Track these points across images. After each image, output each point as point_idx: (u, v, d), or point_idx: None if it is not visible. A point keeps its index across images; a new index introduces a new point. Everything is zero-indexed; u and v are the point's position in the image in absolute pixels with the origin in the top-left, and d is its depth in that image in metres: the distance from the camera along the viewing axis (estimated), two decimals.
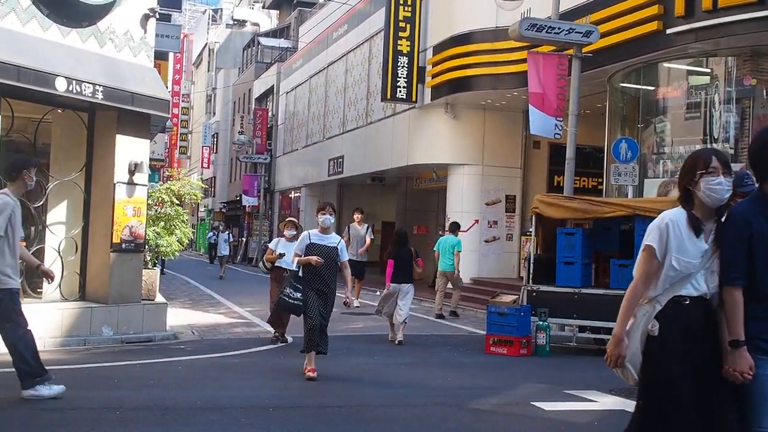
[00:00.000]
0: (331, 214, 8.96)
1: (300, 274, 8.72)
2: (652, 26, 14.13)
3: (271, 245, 12.27)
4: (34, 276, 11.98)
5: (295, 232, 11.78)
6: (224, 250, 30.52)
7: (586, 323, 11.51)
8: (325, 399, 7.67)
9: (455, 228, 16.92)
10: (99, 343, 11.09)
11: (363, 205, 21.11)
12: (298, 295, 8.57)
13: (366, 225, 18.34)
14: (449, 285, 16.55)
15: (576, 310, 11.36)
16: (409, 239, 13.32)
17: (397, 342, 12.09)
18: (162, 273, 24.10)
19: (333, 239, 8.88)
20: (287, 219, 12.65)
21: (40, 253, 11.86)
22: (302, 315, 8.72)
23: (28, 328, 7.06)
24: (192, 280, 26.04)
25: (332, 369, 9.30)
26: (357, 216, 18.24)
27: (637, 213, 11.12)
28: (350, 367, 9.94)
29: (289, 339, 11.85)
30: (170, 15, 24.72)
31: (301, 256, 8.73)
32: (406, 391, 8.29)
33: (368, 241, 18.06)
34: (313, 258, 8.59)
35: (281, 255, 11.59)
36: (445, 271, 16.26)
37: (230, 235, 32.87)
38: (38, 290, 11.90)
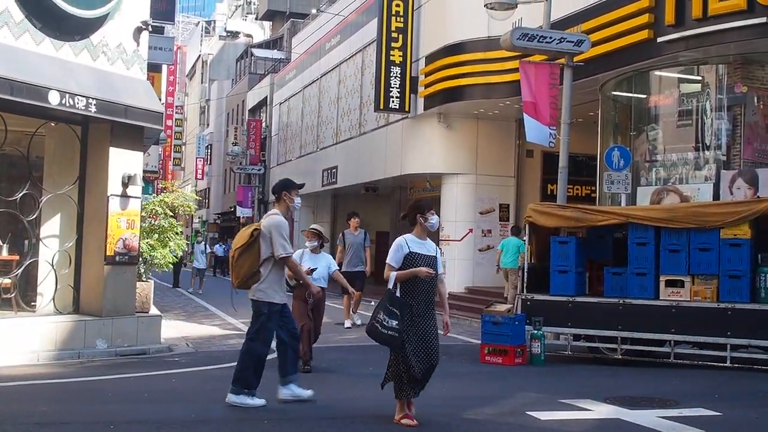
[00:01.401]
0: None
1: (397, 293, 6.74)
2: (643, 35, 14.20)
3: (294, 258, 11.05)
4: (28, 290, 11.99)
5: (317, 243, 10.56)
6: (201, 262, 26.90)
7: (581, 332, 11.52)
8: (319, 411, 7.65)
9: (517, 231, 17.98)
10: (93, 356, 11.07)
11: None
12: (394, 322, 6.62)
13: (362, 231, 16.64)
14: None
15: (570, 319, 11.37)
16: None
17: None
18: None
19: (431, 246, 7.09)
20: (310, 228, 11.13)
21: (33, 267, 11.88)
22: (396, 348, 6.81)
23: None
24: (186, 291, 26.00)
25: (326, 380, 9.28)
26: (353, 221, 16.47)
27: (630, 221, 11.15)
28: (344, 378, 9.93)
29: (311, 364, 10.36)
30: (163, 27, 24.71)
31: (396, 268, 6.82)
32: None
33: (368, 255, 16.46)
34: (423, 269, 6.76)
35: (311, 270, 9.99)
36: (506, 268, 17.53)
37: (206, 246, 29.20)
38: (32, 303, 11.89)
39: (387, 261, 6.91)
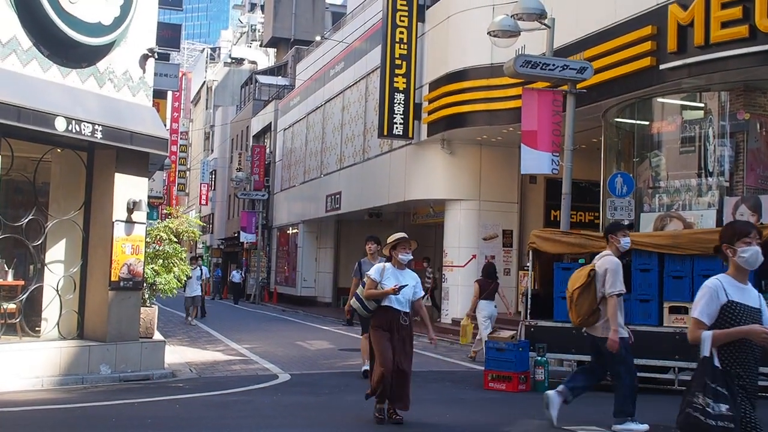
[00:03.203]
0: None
1: (716, 363, 4.48)
2: (645, 62, 14.29)
3: (372, 274, 8.30)
4: (33, 315, 12.01)
5: (411, 256, 8.36)
6: (196, 289, 23.21)
7: (585, 358, 11.47)
8: None
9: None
10: (97, 381, 11.06)
11: (361, 241, 20.76)
12: (724, 408, 4.33)
13: (382, 260, 11.67)
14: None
15: (574, 345, 11.35)
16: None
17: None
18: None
19: (753, 294, 4.80)
20: (399, 236, 8.39)
21: (38, 292, 11.90)
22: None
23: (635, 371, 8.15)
24: (190, 317, 25.94)
25: (329, 407, 9.27)
26: (370, 247, 12.40)
27: (634, 247, 11.10)
28: (348, 405, 9.90)
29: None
30: (169, 54, 24.99)
31: (707, 326, 4.58)
32: (403, 429, 8.25)
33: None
34: (757, 328, 4.47)
35: (399, 288, 8.05)
36: None
37: (202, 270, 24.92)
38: (37, 329, 11.90)
39: (693, 315, 4.68)
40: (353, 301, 8.59)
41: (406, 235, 8.41)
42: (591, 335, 8.03)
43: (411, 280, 8.26)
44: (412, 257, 8.31)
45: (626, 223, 12.99)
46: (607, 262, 7.93)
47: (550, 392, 8.12)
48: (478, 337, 15.19)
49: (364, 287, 8.37)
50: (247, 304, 37.87)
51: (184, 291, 21.74)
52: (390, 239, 8.38)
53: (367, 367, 11.77)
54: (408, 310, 8.21)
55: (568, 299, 8.08)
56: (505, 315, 17.06)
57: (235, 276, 39.64)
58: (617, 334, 7.76)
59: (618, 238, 8.13)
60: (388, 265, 8.32)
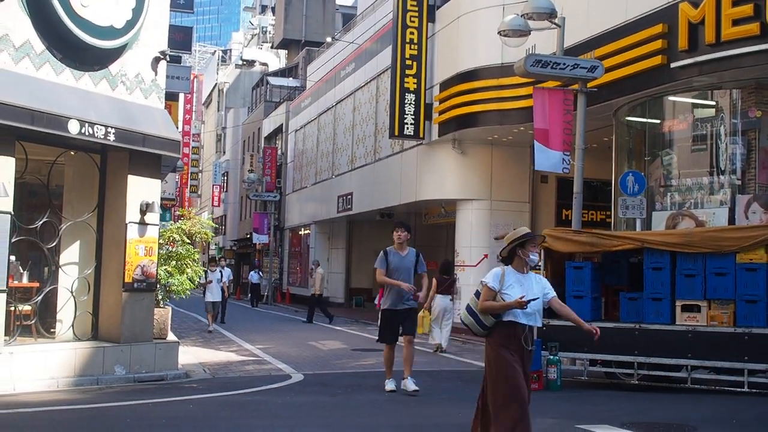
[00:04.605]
0: None
1: None
2: (656, 60, 14.26)
3: (489, 281, 6.45)
4: (47, 316, 12.10)
5: (538, 257, 6.69)
6: (217, 294, 21.55)
7: (597, 357, 11.49)
8: None
9: None
10: (111, 382, 11.14)
11: (372, 241, 20.74)
12: None
13: (412, 250, 10.92)
14: None
15: (586, 344, 11.32)
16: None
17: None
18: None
19: None
20: (526, 232, 6.54)
21: (53, 294, 11.99)
22: None
23: None
24: (204, 318, 26.04)
25: (342, 407, 9.30)
26: (398, 235, 10.74)
27: (646, 246, 11.15)
28: (360, 404, 9.94)
29: None
30: (180, 57, 25.06)
31: None
32: (416, 428, 8.27)
33: (425, 285, 11.39)
34: None
35: (526, 302, 6.20)
36: None
37: (222, 272, 22.75)
38: (51, 330, 11.99)
39: None
40: (464, 315, 6.53)
41: (530, 231, 6.68)
42: None
43: (537, 286, 6.46)
44: (538, 257, 6.78)
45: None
46: None
47: None
48: (437, 329, 16.62)
49: (477, 297, 6.48)
50: (260, 304, 37.95)
51: (204, 296, 21.43)
52: (514, 235, 6.52)
53: (392, 387, 10.56)
54: (539, 324, 6.56)
55: None
56: None
57: (254, 277, 38.81)
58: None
59: None
60: (507, 269, 6.48)
